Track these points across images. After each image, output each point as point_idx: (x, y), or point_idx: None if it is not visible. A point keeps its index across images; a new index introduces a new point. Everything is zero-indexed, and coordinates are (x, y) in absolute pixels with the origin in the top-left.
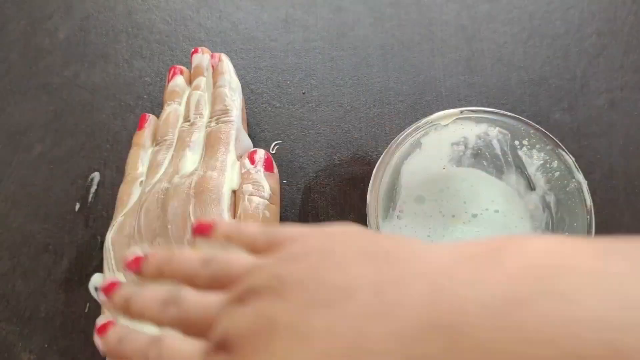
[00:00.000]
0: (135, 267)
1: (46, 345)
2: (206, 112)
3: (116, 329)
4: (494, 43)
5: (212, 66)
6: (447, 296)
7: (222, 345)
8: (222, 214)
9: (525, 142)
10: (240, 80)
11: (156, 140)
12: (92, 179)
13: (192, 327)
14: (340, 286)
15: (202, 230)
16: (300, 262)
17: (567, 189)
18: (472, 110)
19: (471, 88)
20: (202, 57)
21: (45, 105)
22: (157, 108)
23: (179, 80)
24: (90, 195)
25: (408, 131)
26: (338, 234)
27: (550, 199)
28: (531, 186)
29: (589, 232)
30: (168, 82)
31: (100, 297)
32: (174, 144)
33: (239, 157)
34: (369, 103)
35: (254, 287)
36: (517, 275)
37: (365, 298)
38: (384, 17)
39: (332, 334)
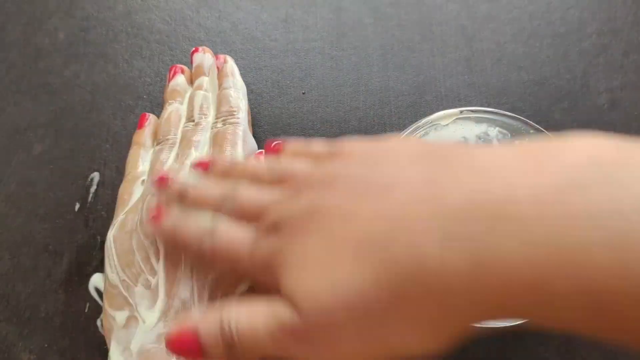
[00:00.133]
0: (204, 167)
1: (46, 345)
2: (211, 113)
3: (171, 216)
4: (494, 43)
5: (218, 67)
6: (498, 183)
7: (273, 228)
8: None
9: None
10: None
11: (157, 140)
12: (91, 179)
13: (247, 215)
14: (392, 179)
15: (273, 150)
16: (355, 163)
17: None
18: (472, 110)
19: (471, 88)
20: (204, 57)
21: (45, 105)
22: (157, 108)
23: (180, 80)
24: (90, 195)
25: (408, 131)
26: (394, 142)
27: None
28: None
29: None
30: (169, 81)
31: (153, 185)
32: (177, 144)
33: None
34: (369, 103)
35: (310, 182)
36: (574, 165)
37: (415, 187)
38: (384, 17)
39: (376, 216)
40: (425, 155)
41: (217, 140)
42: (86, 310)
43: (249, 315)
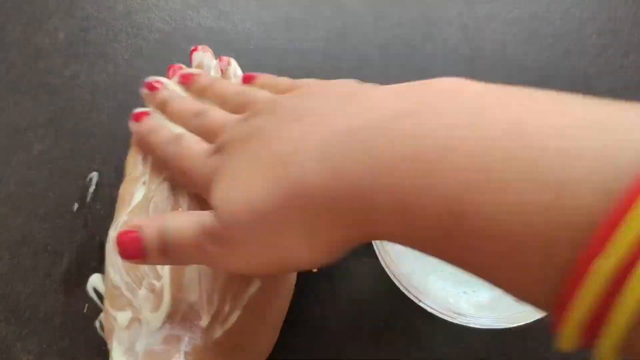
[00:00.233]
0: (187, 80)
1: (45, 346)
2: None
3: (150, 121)
4: (494, 43)
5: (221, 70)
6: (368, 111)
7: (220, 148)
8: None
9: None
10: None
11: None
12: (90, 179)
13: (209, 134)
14: (311, 110)
15: (247, 79)
16: (299, 95)
17: None
18: None
19: None
20: (204, 56)
21: (45, 105)
22: None
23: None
24: (89, 195)
25: None
26: (331, 84)
27: None
28: None
29: None
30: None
31: (143, 91)
32: None
33: None
34: None
35: (259, 110)
36: (414, 98)
37: (320, 116)
38: (384, 16)
39: (286, 139)
40: (346, 93)
41: None
42: (85, 311)
43: (181, 222)
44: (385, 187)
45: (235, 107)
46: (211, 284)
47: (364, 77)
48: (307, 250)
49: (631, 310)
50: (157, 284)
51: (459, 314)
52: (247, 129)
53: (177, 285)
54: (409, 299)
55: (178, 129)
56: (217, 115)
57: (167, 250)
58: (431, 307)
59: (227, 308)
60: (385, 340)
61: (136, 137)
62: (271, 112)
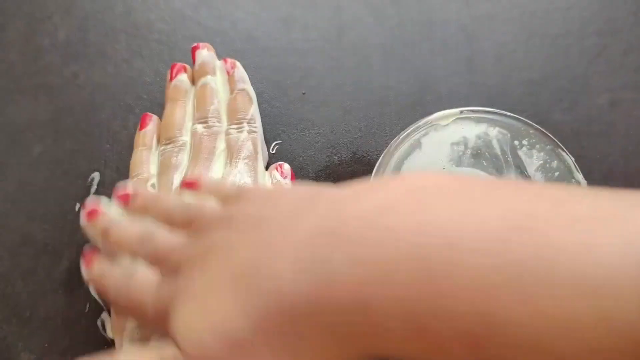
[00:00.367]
0: (125, 201)
1: (46, 346)
2: (224, 117)
3: (100, 264)
4: (494, 43)
5: (228, 72)
6: (338, 211)
7: (173, 273)
8: None
9: (525, 142)
10: None
11: (163, 140)
12: (92, 179)
13: (160, 260)
14: (268, 215)
15: (189, 185)
16: (251, 204)
17: None
18: (472, 110)
19: (471, 88)
20: (208, 54)
21: (45, 105)
22: (157, 108)
23: (182, 78)
24: (90, 195)
25: (408, 131)
26: (291, 188)
27: None
28: None
29: None
30: (171, 79)
31: (82, 220)
32: (187, 145)
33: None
34: (369, 103)
35: (210, 225)
36: (394, 192)
37: (282, 220)
38: (384, 16)
39: (248, 248)
40: (306, 195)
41: (235, 151)
42: (86, 310)
43: None
44: (388, 297)
45: (182, 223)
46: None
47: (364, 77)
48: None
49: None
50: None
51: None
52: (203, 246)
53: None
54: None
55: (126, 266)
56: (165, 237)
57: None
58: None
59: None
60: None
61: (92, 285)
62: (226, 225)
